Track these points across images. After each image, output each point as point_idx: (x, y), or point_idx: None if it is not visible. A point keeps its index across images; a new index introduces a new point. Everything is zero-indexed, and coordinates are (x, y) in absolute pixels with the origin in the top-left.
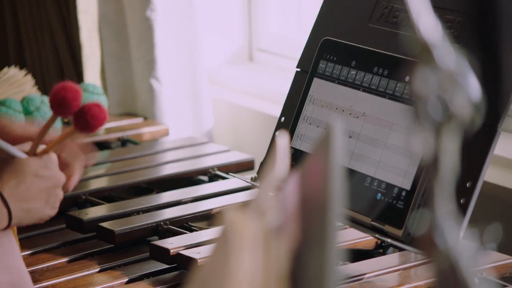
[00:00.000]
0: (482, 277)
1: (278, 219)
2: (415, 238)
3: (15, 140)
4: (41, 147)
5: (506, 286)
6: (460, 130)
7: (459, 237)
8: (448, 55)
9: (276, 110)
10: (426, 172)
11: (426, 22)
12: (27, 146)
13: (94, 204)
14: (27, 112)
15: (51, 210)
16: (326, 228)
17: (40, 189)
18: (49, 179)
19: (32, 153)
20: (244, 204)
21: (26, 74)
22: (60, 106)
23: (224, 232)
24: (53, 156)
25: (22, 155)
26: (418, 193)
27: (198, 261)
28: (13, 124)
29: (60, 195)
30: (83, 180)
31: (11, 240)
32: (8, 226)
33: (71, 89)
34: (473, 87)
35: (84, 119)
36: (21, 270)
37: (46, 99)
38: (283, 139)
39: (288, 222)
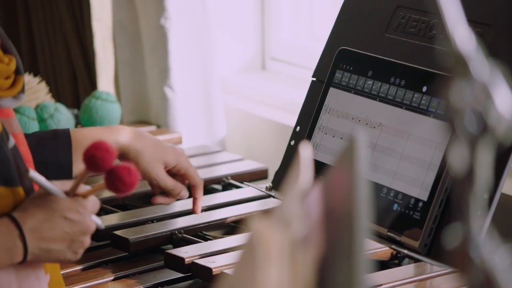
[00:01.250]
0: None
1: (304, 229)
2: (448, 252)
3: None
4: (86, 187)
5: None
6: (494, 143)
7: (494, 250)
8: (482, 67)
9: (288, 118)
10: (460, 185)
11: (461, 35)
12: (69, 185)
13: (108, 212)
14: (41, 119)
15: (72, 255)
16: (354, 240)
17: (65, 231)
18: (76, 223)
19: (71, 193)
20: (263, 214)
21: (40, 82)
22: (89, 162)
23: (251, 243)
24: (90, 201)
25: (60, 194)
26: (435, 204)
27: (213, 270)
28: None
29: (86, 242)
30: None
31: (40, 277)
32: (23, 261)
33: (102, 149)
34: (507, 100)
35: (112, 181)
36: None
37: (59, 106)
38: (306, 150)
39: (313, 232)
